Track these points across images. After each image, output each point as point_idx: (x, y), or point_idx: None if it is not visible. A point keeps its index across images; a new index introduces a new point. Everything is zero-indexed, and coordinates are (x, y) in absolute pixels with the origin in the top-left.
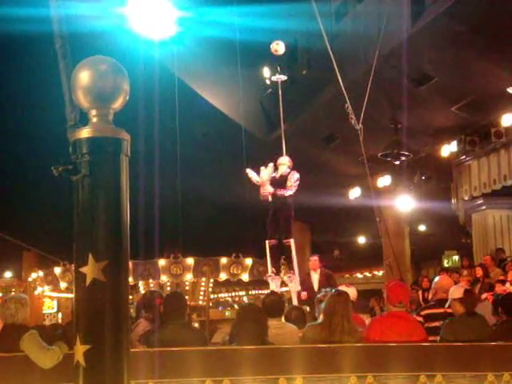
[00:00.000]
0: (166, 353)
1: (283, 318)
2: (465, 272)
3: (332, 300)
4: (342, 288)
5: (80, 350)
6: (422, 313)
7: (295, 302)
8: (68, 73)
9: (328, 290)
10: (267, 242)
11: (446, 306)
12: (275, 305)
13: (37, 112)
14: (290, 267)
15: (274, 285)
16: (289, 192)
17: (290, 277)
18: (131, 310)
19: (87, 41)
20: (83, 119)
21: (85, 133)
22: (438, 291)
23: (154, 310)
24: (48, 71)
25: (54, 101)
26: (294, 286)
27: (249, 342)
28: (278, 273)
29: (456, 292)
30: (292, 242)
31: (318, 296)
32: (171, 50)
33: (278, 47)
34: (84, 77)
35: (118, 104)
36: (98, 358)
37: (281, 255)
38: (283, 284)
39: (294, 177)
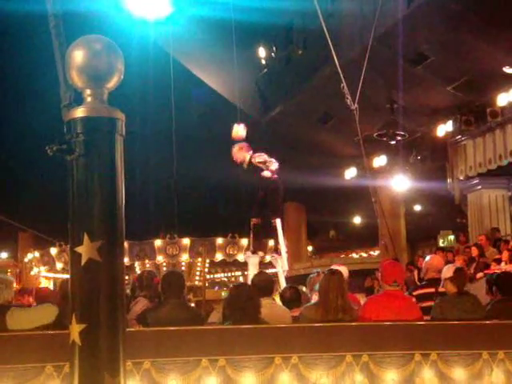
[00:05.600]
0: (162, 332)
1: (278, 298)
2: (462, 248)
3: (326, 278)
4: (334, 267)
5: (75, 329)
6: (414, 293)
7: (283, 282)
8: (62, 52)
9: (320, 270)
10: (252, 220)
11: (441, 285)
12: (265, 284)
13: (31, 92)
14: (276, 247)
15: (252, 264)
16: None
17: (273, 256)
18: (127, 291)
19: (81, 20)
20: (78, 99)
21: (79, 112)
22: (428, 271)
23: (150, 289)
24: (42, 51)
25: (49, 80)
26: (279, 267)
27: (242, 321)
28: (255, 252)
29: (448, 271)
30: (278, 222)
31: (311, 276)
32: (166, 30)
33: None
34: (78, 56)
35: (112, 83)
36: (94, 337)
37: (264, 235)
38: (267, 264)
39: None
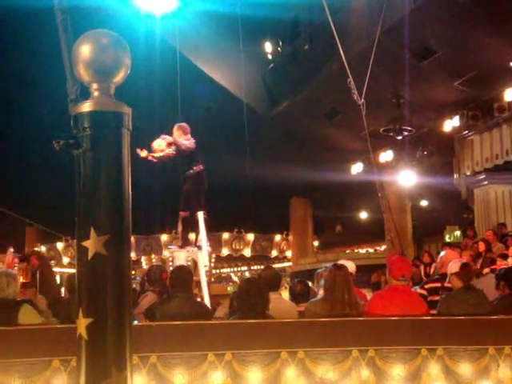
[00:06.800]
0: (169, 326)
1: (286, 293)
2: (470, 243)
3: (332, 273)
4: (341, 262)
5: (82, 323)
6: (426, 286)
7: (203, 279)
8: (69, 46)
9: (329, 265)
10: (180, 213)
11: (447, 280)
12: (272, 279)
13: (38, 86)
14: (196, 241)
15: (180, 258)
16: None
17: (190, 250)
18: (134, 285)
19: (88, 15)
20: (84, 93)
21: (86, 107)
22: (443, 265)
23: (159, 284)
24: (49, 45)
25: (56, 75)
26: (200, 262)
27: (251, 316)
28: (183, 246)
29: (454, 266)
30: (200, 215)
31: (319, 271)
32: (172, 25)
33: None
34: (85, 50)
35: (119, 78)
36: (101, 331)
37: (190, 228)
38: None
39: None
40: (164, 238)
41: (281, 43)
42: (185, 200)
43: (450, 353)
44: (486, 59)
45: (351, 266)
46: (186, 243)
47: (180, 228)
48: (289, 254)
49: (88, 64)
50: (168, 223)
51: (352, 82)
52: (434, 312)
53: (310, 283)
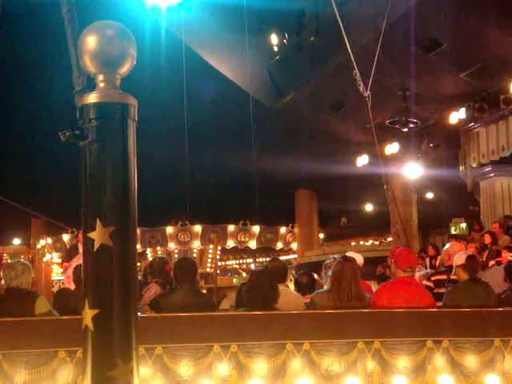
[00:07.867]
0: (175, 318)
1: (291, 285)
2: (477, 236)
3: (340, 265)
4: (350, 254)
5: (88, 314)
6: (433, 278)
7: None
8: (75, 38)
9: (337, 256)
10: None
11: (452, 272)
12: (279, 270)
13: (44, 78)
14: None
15: None
16: None
17: None
18: (139, 277)
19: (94, 6)
20: (90, 84)
21: (92, 98)
22: (450, 257)
23: (162, 275)
24: (55, 36)
25: (62, 66)
26: None
27: (260, 308)
28: None
29: (459, 259)
30: None
31: (327, 262)
32: (178, 17)
33: None
34: (91, 41)
35: (125, 69)
36: (107, 322)
37: None
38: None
39: None
40: (169, 230)
41: (286, 35)
42: None
43: (455, 345)
44: (493, 51)
45: (359, 259)
46: None
47: None
48: (294, 246)
49: (94, 55)
50: (173, 215)
51: (358, 74)
52: (440, 304)
53: (315, 275)
